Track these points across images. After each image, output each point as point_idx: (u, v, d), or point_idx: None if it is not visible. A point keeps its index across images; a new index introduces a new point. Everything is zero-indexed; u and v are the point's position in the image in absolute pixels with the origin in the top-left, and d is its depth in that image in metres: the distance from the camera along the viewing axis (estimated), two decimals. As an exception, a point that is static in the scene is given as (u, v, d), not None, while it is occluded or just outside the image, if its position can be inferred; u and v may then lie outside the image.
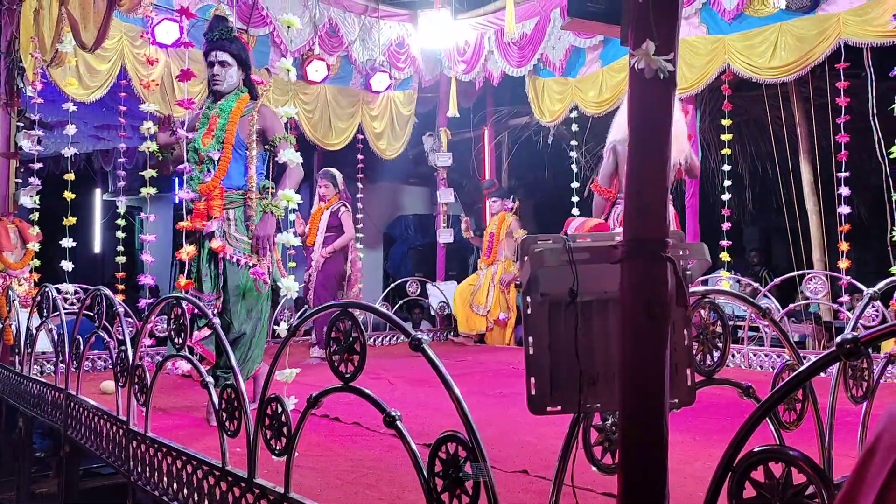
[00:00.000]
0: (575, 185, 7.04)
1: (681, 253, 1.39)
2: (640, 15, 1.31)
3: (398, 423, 1.72)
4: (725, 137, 5.90)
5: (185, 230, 3.63)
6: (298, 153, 3.38)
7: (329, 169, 6.26)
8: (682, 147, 4.38)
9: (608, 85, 6.54)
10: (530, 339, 1.47)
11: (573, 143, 7.21)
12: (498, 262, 6.98)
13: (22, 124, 5.50)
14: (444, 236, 8.04)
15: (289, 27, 3.23)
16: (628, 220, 1.35)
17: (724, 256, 5.86)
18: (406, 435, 1.69)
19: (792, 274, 5.66)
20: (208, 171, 3.66)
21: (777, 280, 5.83)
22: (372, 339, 6.89)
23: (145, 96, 5.65)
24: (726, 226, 5.91)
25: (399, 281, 7.75)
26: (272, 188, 3.66)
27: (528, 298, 1.47)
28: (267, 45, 6.54)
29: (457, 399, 1.57)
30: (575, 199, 6.99)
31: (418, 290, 7.57)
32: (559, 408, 1.47)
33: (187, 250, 3.53)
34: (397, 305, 7.56)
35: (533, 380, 1.47)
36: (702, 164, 6.32)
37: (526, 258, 1.44)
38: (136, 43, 5.77)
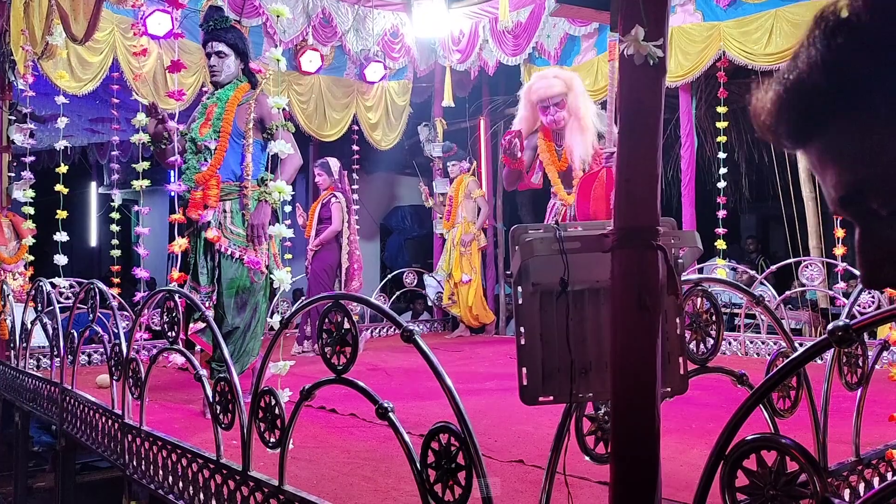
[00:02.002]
0: (571, 173, 7.00)
1: (672, 241, 1.38)
2: (630, 0, 1.29)
3: (391, 414, 1.71)
4: (721, 125, 5.88)
5: (178, 223, 3.62)
6: (291, 143, 3.35)
7: (326, 158, 6.23)
8: (586, 140, 4.23)
9: (603, 73, 6.49)
10: (522, 329, 1.46)
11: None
12: (458, 225, 6.94)
13: (14, 118, 5.46)
14: (441, 227, 8.03)
15: (279, 17, 3.20)
16: (619, 208, 1.34)
17: (720, 244, 5.85)
18: (398, 426, 1.69)
19: (788, 261, 5.65)
20: (205, 160, 3.64)
21: (773, 267, 5.83)
22: (369, 331, 6.88)
23: (137, 88, 5.62)
24: (722, 213, 5.89)
25: (396, 272, 7.74)
26: (271, 179, 3.65)
27: (520, 288, 1.46)
28: (260, 36, 6.49)
29: (448, 389, 1.56)
30: (571, 187, 6.96)
31: (415, 281, 7.56)
32: (551, 398, 1.47)
33: (179, 243, 3.52)
34: (394, 296, 7.56)
35: (525, 370, 1.46)
36: (697, 153, 6.32)
37: (517, 248, 1.43)
38: (127, 35, 5.72)
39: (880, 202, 0.58)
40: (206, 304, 3.53)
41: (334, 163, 6.13)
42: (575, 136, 4.27)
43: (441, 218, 7.57)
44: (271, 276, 3.63)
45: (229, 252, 3.60)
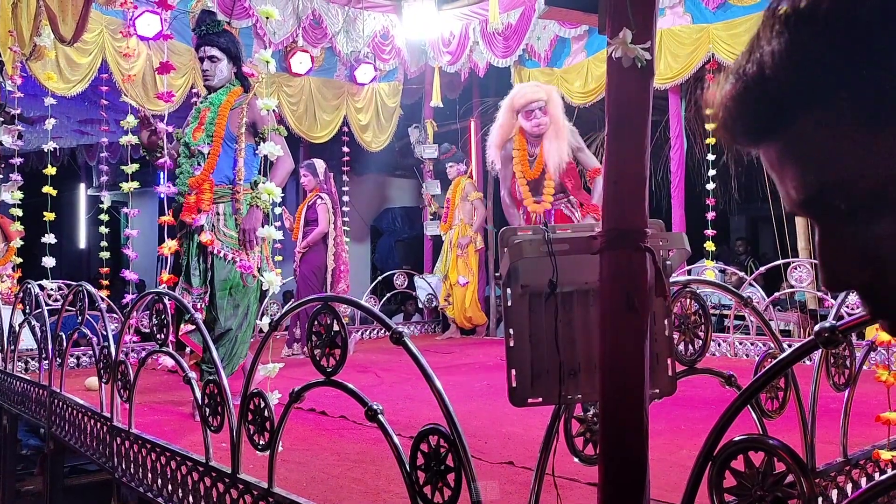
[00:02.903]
0: (561, 175, 7.03)
1: (660, 243, 1.38)
2: (617, 3, 1.30)
3: (380, 416, 1.71)
4: (710, 127, 5.90)
5: (168, 225, 3.61)
6: (279, 146, 3.35)
7: (311, 159, 6.21)
8: (560, 148, 4.46)
9: (594, 75, 6.53)
10: (511, 331, 1.47)
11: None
12: (454, 227, 6.95)
13: (2, 119, 5.43)
14: (432, 228, 8.04)
15: (268, 18, 3.19)
16: (607, 209, 1.34)
17: (710, 246, 5.88)
18: (388, 428, 1.68)
19: (777, 263, 5.68)
20: (198, 164, 3.65)
21: (762, 269, 5.86)
22: (359, 333, 6.87)
23: (126, 90, 5.60)
24: (711, 215, 5.92)
25: (386, 273, 7.73)
26: (263, 182, 3.65)
27: (509, 290, 1.47)
28: (250, 38, 6.48)
29: (437, 392, 1.56)
30: (561, 189, 6.98)
31: (406, 283, 7.55)
32: (540, 399, 1.47)
33: (169, 245, 3.51)
34: (385, 298, 7.55)
35: (514, 372, 1.47)
36: (687, 154, 6.35)
37: (505, 250, 1.43)
38: (116, 36, 5.71)
39: (844, 201, 0.55)
40: (199, 306, 3.52)
41: (320, 164, 6.11)
42: (552, 143, 4.49)
43: (433, 220, 7.58)
44: (262, 278, 3.63)
45: (222, 254, 3.60)
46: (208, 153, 3.63)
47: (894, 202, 0.53)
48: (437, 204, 7.57)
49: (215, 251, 3.59)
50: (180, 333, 3.42)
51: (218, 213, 3.64)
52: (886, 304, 0.58)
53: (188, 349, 3.54)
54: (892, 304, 0.58)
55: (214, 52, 3.70)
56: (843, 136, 0.54)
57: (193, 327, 3.44)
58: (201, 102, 3.81)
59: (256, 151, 3.61)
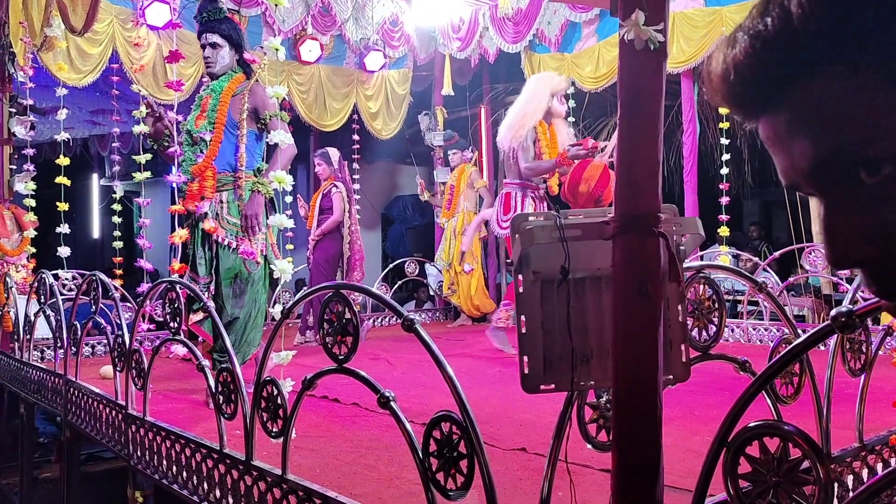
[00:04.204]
0: (573, 161, 6.99)
1: (674, 228, 1.37)
2: (630, -15, 1.28)
3: (392, 403, 1.71)
4: (724, 111, 5.85)
5: (179, 214, 3.63)
6: (290, 133, 3.35)
7: (326, 148, 6.21)
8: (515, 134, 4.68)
9: (605, 60, 6.48)
10: (522, 317, 1.46)
11: (570, 119, 7.16)
12: (458, 215, 6.93)
13: (14, 110, 5.45)
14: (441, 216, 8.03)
15: (277, 6, 3.18)
16: (620, 194, 1.33)
17: (723, 231, 5.84)
18: (400, 415, 1.68)
19: (791, 247, 5.64)
20: (201, 152, 3.66)
21: (776, 254, 5.81)
22: (371, 320, 6.89)
23: (137, 79, 5.60)
24: (725, 200, 5.88)
25: (398, 261, 7.74)
26: (266, 169, 3.65)
27: (520, 277, 1.46)
28: (259, 26, 6.47)
29: (449, 378, 1.56)
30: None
31: (417, 270, 7.55)
32: (553, 386, 1.46)
33: (180, 234, 3.53)
34: (396, 286, 7.55)
35: (526, 358, 1.46)
36: (700, 139, 6.30)
37: (517, 236, 1.42)
38: (126, 25, 5.71)
39: (864, 164, 0.52)
40: (205, 295, 3.54)
41: (334, 152, 6.11)
42: (562, 128, 4.90)
43: (439, 208, 7.57)
44: (271, 266, 3.63)
45: (226, 242, 3.61)
46: (210, 140, 3.64)
47: None
48: (429, 193, 7.55)
49: (219, 239, 3.60)
50: (189, 323, 3.43)
51: (221, 201, 3.65)
52: (894, 281, 0.55)
53: (200, 338, 3.56)
54: None
55: (216, 38, 3.70)
56: (866, 93, 0.51)
57: (202, 317, 3.47)
58: (203, 90, 3.82)
59: (266, 139, 3.61)
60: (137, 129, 4.45)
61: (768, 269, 5.59)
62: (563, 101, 4.92)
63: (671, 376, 1.50)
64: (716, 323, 1.75)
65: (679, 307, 1.49)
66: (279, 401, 2.03)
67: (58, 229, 5.36)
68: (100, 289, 3.47)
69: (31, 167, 5.44)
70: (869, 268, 0.56)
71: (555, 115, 4.85)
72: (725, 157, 5.96)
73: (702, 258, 5.67)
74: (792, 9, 0.52)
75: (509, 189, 4.84)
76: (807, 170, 0.56)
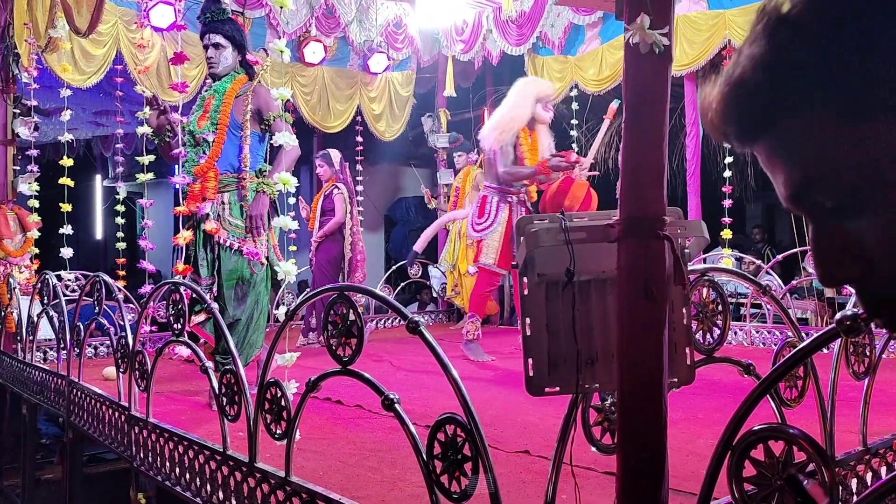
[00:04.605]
0: (575, 163, 6.99)
1: (679, 230, 1.37)
2: (635, -12, 1.28)
3: (396, 405, 1.71)
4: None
5: (183, 215, 3.63)
6: (294, 134, 3.35)
7: (327, 150, 6.21)
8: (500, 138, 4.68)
9: (608, 63, 6.47)
10: (527, 319, 1.46)
11: (573, 121, 7.16)
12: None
13: (18, 111, 5.46)
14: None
15: (282, 8, 3.19)
16: (624, 197, 1.33)
17: (726, 234, 5.83)
18: (404, 417, 1.68)
19: (794, 250, 5.63)
20: (203, 153, 3.66)
21: (779, 257, 5.80)
22: (374, 322, 6.89)
23: (141, 81, 5.61)
24: (728, 203, 5.87)
25: (400, 263, 7.73)
26: (269, 171, 3.65)
27: (525, 279, 1.46)
28: (263, 28, 6.48)
29: (454, 380, 1.56)
30: (576, 177, 6.94)
31: (420, 272, 7.56)
32: (557, 389, 1.46)
33: (184, 235, 3.53)
34: (399, 287, 7.56)
35: (531, 361, 1.46)
36: (702, 142, 6.29)
37: (522, 238, 1.42)
38: (131, 27, 5.72)
39: (826, 197, 0.58)
40: (208, 296, 3.54)
41: (335, 154, 6.11)
42: (544, 135, 4.86)
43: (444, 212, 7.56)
44: (273, 267, 3.63)
45: (228, 243, 3.61)
46: (213, 141, 3.64)
47: (873, 196, 0.55)
48: (435, 202, 7.55)
49: (221, 241, 3.60)
50: (191, 324, 3.44)
51: (223, 203, 3.65)
52: (879, 298, 0.59)
53: (202, 339, 3.56)
54: (885, 299, 0.58)
55: (219, 39, 3.71)
56: (823, 134, 0.56)
57: (203, 318, 3.47)
58: (206, 91, 3.82)
59: (270, 141, 3.62)
60: (141, 130, 4.45)
61: (771, 272, 5.58)
62: (548, 107, 4.86)
63: (675, 379, 1.49)
64: (720, 326, 1.75)
65: (683, 310, 1.49)
66: (283, 402, 2.03)
67: (61, 230, 5.37)
68: (103, 290, 3.48)
69: (35, 168, 5.45)
70: (854, 286, 0.61)
71: (539, 121, 4.80)
72: (728, 159, 5.95)
73: (705, 261, 5.66)
74: (746, 63, 0.58)
75: (486, 193, 4.86)
76: (788, 197, 0.61)
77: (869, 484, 2.17)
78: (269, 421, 2.09)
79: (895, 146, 0.53)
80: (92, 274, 3.69)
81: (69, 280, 5.42)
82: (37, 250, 5.42)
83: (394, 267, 7.86)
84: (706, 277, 1.76)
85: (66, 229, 5.37)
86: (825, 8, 0.54)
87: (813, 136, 0.56)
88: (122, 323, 3.12)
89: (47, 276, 4.27)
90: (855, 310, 1.21)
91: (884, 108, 0.53)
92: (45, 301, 4.25)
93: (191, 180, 3.66)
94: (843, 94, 0.54)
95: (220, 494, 2.37)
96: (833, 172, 0.56)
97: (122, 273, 5.90)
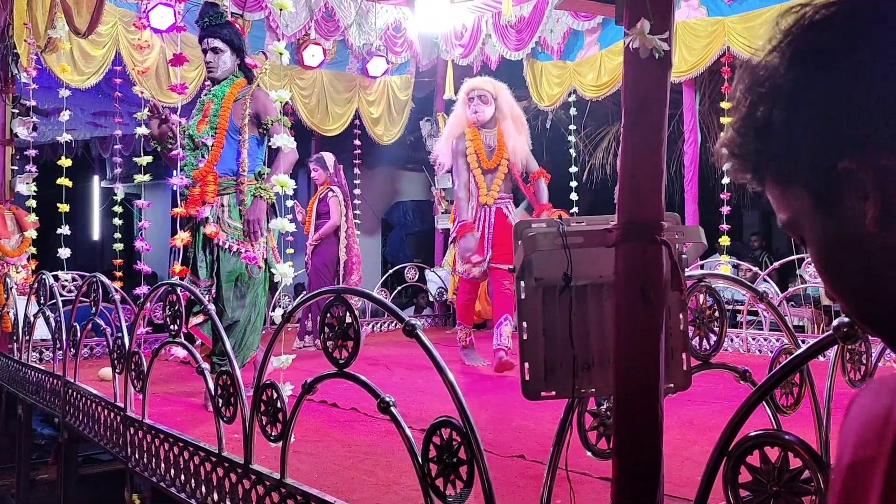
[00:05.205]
0: (574, 169, 7.01)
1: (676, 236, 1.37)
2: (635, -6, 1.28)
3: (392, 408, 1.71)
4: (725, 120, 5.85)
5: (180, 216, 3.63)
6: (292, 137, 3.36)
7: (321, 153, 6.21)
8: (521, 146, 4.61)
9: (607, 68, 6.48)
10: (524, 324, 1.46)
11: (572, 127, 7.17)
12: None
13: (17, 111, 5.46)
14: (443, 222, 8.02)
15: (282, 11, 3.19)
16: (622, 202, 1.33)
17: (724, 241, 5.84)
18: (400, 420, 1.68)
19: (791, 258, 5.64)
20: (203, 156, 3.66)
21: (776, 264, 5.81)
22: (370, 325, 6.88)
23: (140, 82, 5.61)
24: (726, 210, 5.88)
25: (397, 267, 7.73)
26: (268, 174, 3.66)
27: (522, 283, 1.46)
28: (263, 30, 6.48)
29: (450, 384, 1.56)
30: (574, 183, 6.96)
31: (417, 276, 7.55)
32: (553, 393, 1.46)
33: (181, 237, 3.53)
34: (396, 291, 7.55)
35: (527, 365, 1.46)
36: (701, 148, 6.31)
37: (520, 242, 1.42)
38: (130, 28, 5.72)
39: (791, 233, 0.66)
40: (206, 298, 3.54)
41: (329, 157, 6.11)
42: (512, 137, 4.62)
43: (444, 213, 7.57)
44: (271, 270, 3.64)
45: (227, 245, 3.61)
46: (212, 145, 3.65)
47: (807, 238, 0.65)
48: (447, 203, 7.56)
49: (220, 243, 3.61)
50: (189, 326, 3.43)
51: (223, 205, 3.66)
52: (860, 319, 0.64)
53: (198, 341, 3.56)
54: (863, 322, 0.63)
55: (217, 43, 3.71)
56: (776, 189, 0.66)
57: (201, 320, 3.47)
58: (205, 94, 3.83)
59: (270, 144, 3.62)
60: (139, 131, 4.45)
61: (768, 279, 5.59)
62: (484, 101, 4.57)
63: (671, 385, 1.50)
64: (717, 332, 1.75)
65: (680, 316, 1.50)
66: (279, 405, 2.03)
67: (58, 230, 5.36)
68: (100, 290, 3.47)
69: (33, 168, 5.44)
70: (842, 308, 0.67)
71: (471, 122, 4.61)
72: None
73: (702, 267, 5.66)
74: (735, 120, 0.67)
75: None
76: (786, 228, 0.68)
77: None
78: (264, 423, 2.08)
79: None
80: (89, 274, 3.69)
81: (66, 280, 5.41)
82: (34, 250, 5.41)
83: (391, 271, 7.86)
84: (703, 283, 1.77)
85: (64, 230, 5.36)
86: (802, 73, 0.61)
87: (786, 194, 0.65)
88: (118, 324, 3.12)
89: (44, 277, 4.27)
90: (851, 317, 1.21)
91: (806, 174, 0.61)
92: (42, 301, 4.24)
93: (189, 183, 3.66)
94: (782, 164, 0.63)
95: (215, 496, 2.37)
96: (786, 218, 0.66)
97: (118, 274, 5.89)
